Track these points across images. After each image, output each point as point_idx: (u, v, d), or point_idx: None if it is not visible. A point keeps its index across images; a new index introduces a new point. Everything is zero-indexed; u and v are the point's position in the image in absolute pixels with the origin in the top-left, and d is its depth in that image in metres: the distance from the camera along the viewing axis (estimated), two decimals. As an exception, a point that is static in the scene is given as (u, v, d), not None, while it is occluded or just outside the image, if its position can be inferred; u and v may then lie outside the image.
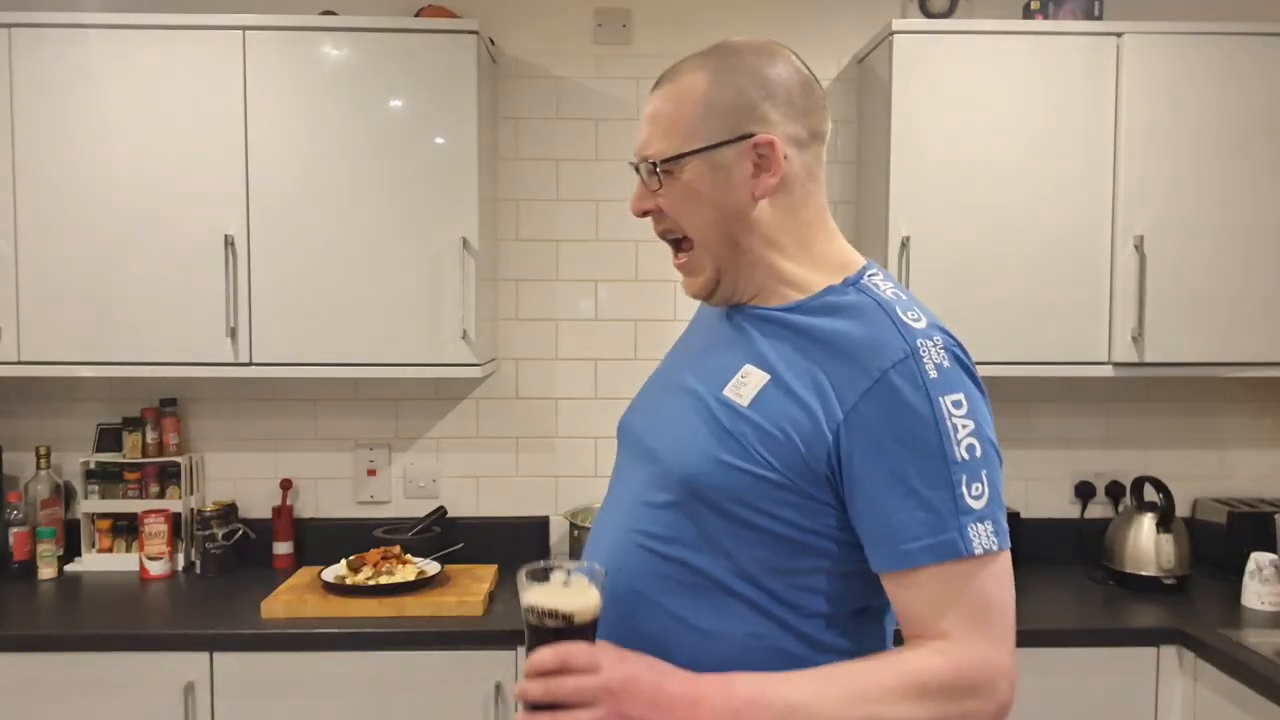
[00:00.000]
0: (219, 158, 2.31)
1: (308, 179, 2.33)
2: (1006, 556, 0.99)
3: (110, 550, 2.60)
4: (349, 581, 2.28)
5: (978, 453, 0.99)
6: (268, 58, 2.31)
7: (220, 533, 2.55)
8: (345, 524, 2.69)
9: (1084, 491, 2.75)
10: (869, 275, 1.10)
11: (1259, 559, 2.30)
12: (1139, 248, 2.36)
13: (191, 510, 2.61)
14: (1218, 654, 2.03)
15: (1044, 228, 2.37)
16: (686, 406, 1.10)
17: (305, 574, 2.45)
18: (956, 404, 0.99)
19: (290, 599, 2.22)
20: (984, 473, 0.98)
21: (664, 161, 1.08)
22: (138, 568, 2.52)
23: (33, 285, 2.32)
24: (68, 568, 2.56)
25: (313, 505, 2.73)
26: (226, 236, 2.31)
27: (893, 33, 2.35)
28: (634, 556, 1.08)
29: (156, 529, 2.49)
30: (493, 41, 2.61)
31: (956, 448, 0.97)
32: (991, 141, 2.36)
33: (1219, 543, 2.58)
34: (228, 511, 2.60)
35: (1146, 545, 2.43)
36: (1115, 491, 2.76)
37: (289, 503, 2.67)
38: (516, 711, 0.98)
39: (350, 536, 2.62)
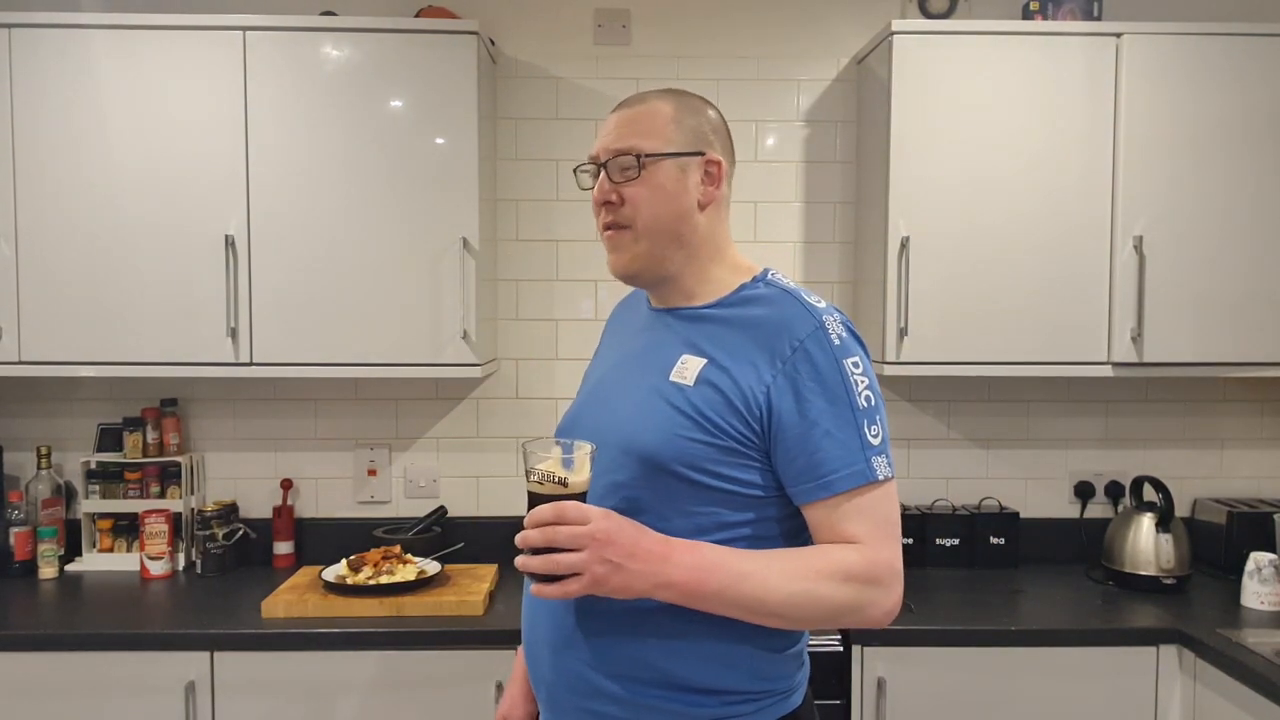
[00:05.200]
0: (219, 158, 2.32)
1: (308, 179, 2.33)
2: (894, 482, 1.24)
3: (111, 550, 2.60)
4: (349, 581, 2.28)
5: (872, 402, 1.22)
6: (268, 58, 2.31)
7: (220, 532, 2.55)
8: (345, 524, 2.69)
9: (1083, 491, 2.76)
10: (772, 274, 1.35)
11: (1258, 559, 2.30)
12: (1138, 248, 2.36)
13: (192, 510, 2.61)
14: (1217, 654, 2.03)
15: (1043, 228, 2.37)
16: (638, 398, 1.29)
17: (305, 574, 2.45)
18: (855, 364, 1.22)
19: (290, 599, 2.22)
20: (878, 417, 1.23)
21: (649, 155, 1.29)
22: (138, 567, 2.52)
23: (33, 285, 2.32)
24: (68, 567, 2.56)
25: (313, 505, 2.73)
26: (227, 237, 2.32)
27: (892, 33, 2.35)
28: None
29: (157, 529, 2.50)
30: (493, 42, 2.61)
31: (858, 398, 1.21)
32: (991, 142, 2.36)
33: (1218, 543, 2.58)
34: (228, 511, 2.60)
35: (1146, 545, 2.43)
36: (1115, 491, 2.76)
37: (289, 503, 2.67)
38: (518, 558, 1.15)
39: (350, 536, 2.63)
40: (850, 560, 1.19)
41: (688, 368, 1.26)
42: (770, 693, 1.28)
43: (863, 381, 1.22)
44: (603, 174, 1.31)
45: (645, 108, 1.33)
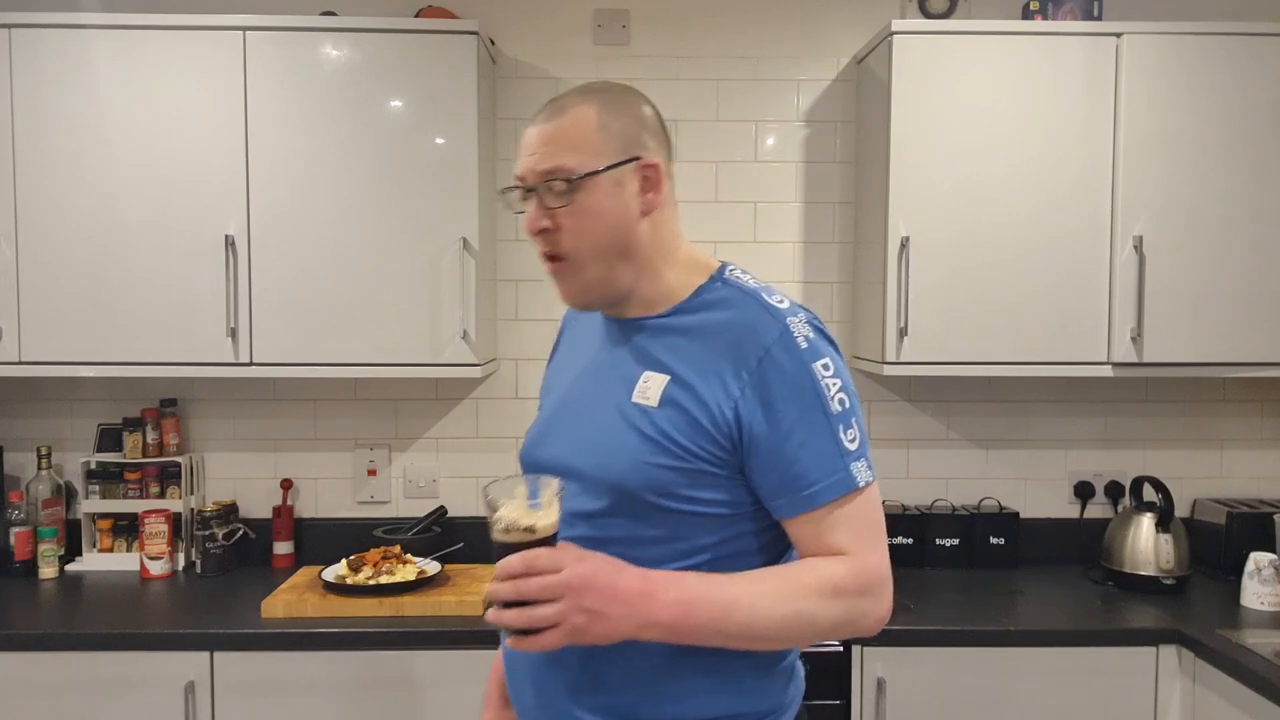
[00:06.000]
0: (219, 158, 2.32)
1: (308, 179, 2.33)
2: (876, 486, 1.19)
3: (111, 550, 2.60)
4: (349, 581, 2.28)
5: (847, 404, 1.16)
6: (268, 58, 2.31)
7: (220, 533, 2.55)
8: (345, 524, 2.69)
9: (1083, 491, 2.76)
10: (730, 271, 1.27)
11: (1258, 559, 2.30)
12: (1138, 248, 2.36)
13: (192, 510, 2.61)
14: (1217, 654, 2.03)
15: (1043, 228, 2.37)
16: (602, 422, 1.22)
17: (305, 574, 2.45)
18: (825, 367, 1.16)
19: (290, 599, 2.22)
20: (854, 420, 1.16)
21: (580, 177, 1.18)
22: (138, 567, 2.52)
23: (33, 285, 2.32)
24: (69, 567, 2.56)
25: (313, 505, 2.73)
26: (227, 236, 2.32)
27: (892, 33, 2.35)
28: None
29: (157, 529, 2.50)
30: (492, 42, 2.61)
31: (831, 403, 1.15)
32: (991, 142, 2.36)
33: (1218, 543, 2.58)
34: (228, 511, 2.60)
35: (1146, 545, 2.43)
36: (1114, 492, 2.76)
37: (289, 503, 2.67)
38: (486, 613, 1.08)
39: (350, 536, 2.63)
40: (839, 573, 1.14)
41: (650, 387, 1.19)
42: (761, 714, 1.23)
43: (834, 384, 1.15)
44: (534, 199, 1.21)
45: (567, 118, 1.20)
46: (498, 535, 1.09)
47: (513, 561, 1.06)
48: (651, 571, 1.12)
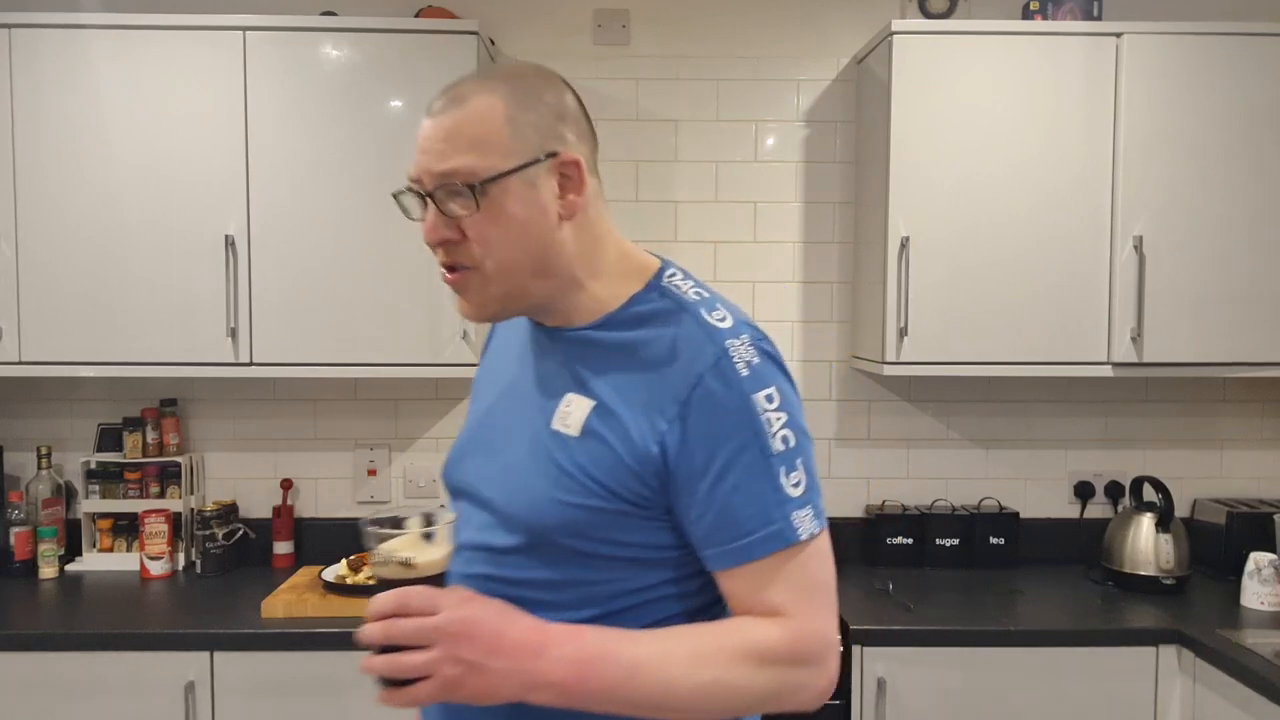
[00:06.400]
0: (219, 158, 2.32)
1: (308, 179, 2.33)
2: (826, 535, 1.03)
3: (111, 550, 2.60)
4: (349, 581, 2.28)
5: (792, 442, 1.01)
6: (268, 58, 2.31)
7: (220, 532, 2.55)
8: (345, 524, 2.69)
9: (1083, 491, 2.76)
10: (668, 277, 1.10)
11: (1258, 559, 2.31)
12: (1138, 248, 2.36)
13: (192, 510, 2.61)
14: (1217, 654, 2.03)
15: (1043, 228, 2.37)
16: (520, 451, 1.08)
17: (305, 574, 2.45)
18: (769, 398, 1.01)
19: (290, 599, 2.22)
20: (799, 460, 1.01)
21: (485, 181, 1.00)
22: (138, 567, 2.52)
23: (33, 285, 2.32)
24: (68, 567, 2.56)
25: (313, 505, 2.73)
26: (226, 236, 2.32)
27: (892, 33, 2.35)
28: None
29: (157, 529, 2.50)
30: (493, 42, 2.61)
31: (773, 441, 1.00)
32: (991, 142, 2.36)
33: (1218, 543, 2.58)
34: (228, 511, 2.60)
35: (1146, 545, 2.43)
36: (1114, 492, 2.76)
37: (289, 502, 2.67)
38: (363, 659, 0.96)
39: (350, 536, 2.62)
40: (771, 638, 0.98)
41: (572, 413, 1.04)
42: None
43: (778, 419, 1.00)
44: (431, 205, 1.03)
45: (468, 110, 1.01)
46: (374, 569, 0.99)
47: (384, 599, 0.94)
48: (550, 624, 0.98)
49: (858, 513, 2.74)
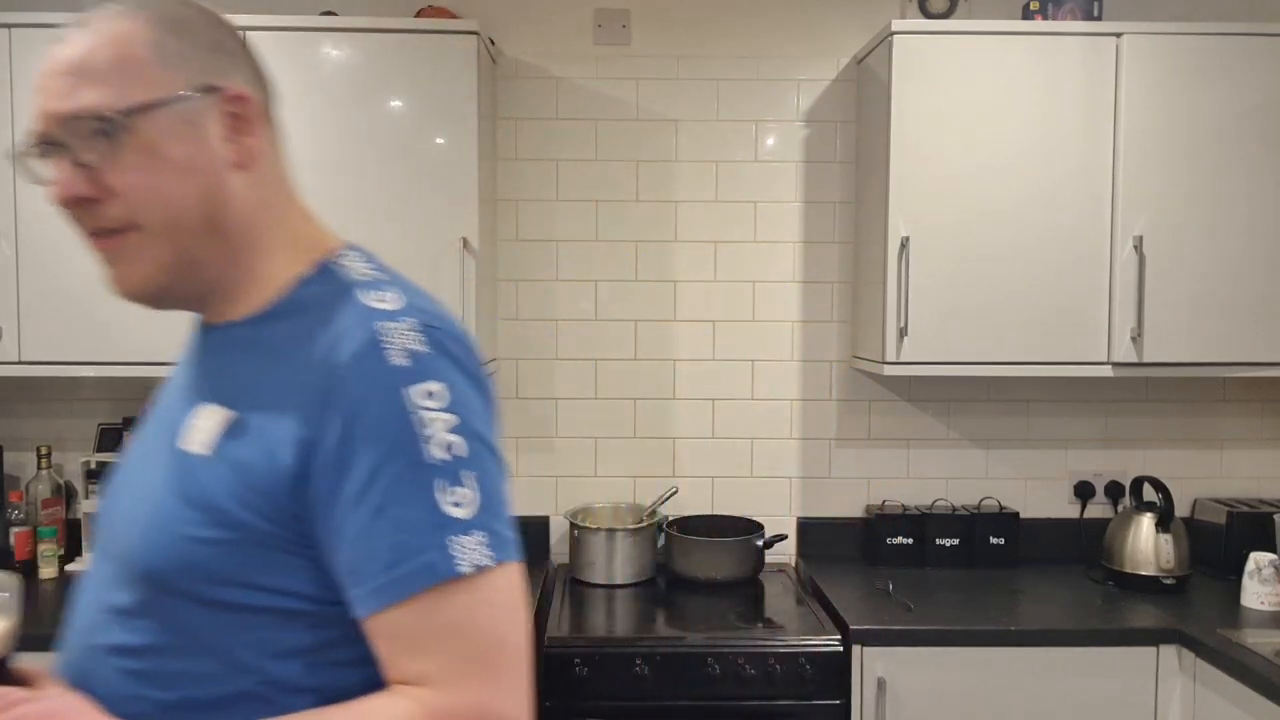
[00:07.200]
0: (219, 158, 2.31)
1: (307, 179, 2.32)
2: (510, 572, 0.81)
3: (111, 550, 2.60)
4: (349, 581, 2.28)
5: (461, 451, 0.80)
6: (268, 58, 2.30)
7: (220, 532, 2.54)
8: (345, 524, 2.69)
9: (1083, 491, 2.76)
10: (343, 258, 0.93)
11: (1258, 559, 2.31)
12: (1138, 248, 2.36)
13: (192, 510, 2.60)
14: (1217, 654, 2.03)
15: (1043, 228, 2.37)
16: (147, 480, 0.89)
17: (305, 574, 2.44)
18: (430, 393, 0.80)
19: (290, 599, 2.22)
20: (471, 475, 0.80)
21: (124, 112, 0.81)
22: (138, 567, 2.52)
23: (33, 285, 2.32)
24: (68, 567, 2.56)
25: (313, 505, 2.73)
26: (227, 237, 2.31)
27: (892, 33, 2.36)
28: (104, 678, 0.86)
29: (157, 529, 2.49)
30: (493, 42, 2.61)
31: (428, 447, 0.79)
32: (991, 142, 2.36)
33: (1218, 543, 2.58)
34: (228, 511, 2.59)
35: (1146, 545, 2.43)
36: (1114, 491, 2.76)
37: (289, 503, 2.67)
38: None
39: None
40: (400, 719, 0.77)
41: (203, 428, 0.85)
42: None
43: (442, 420, 0.80)
44: (62, 156, 0.83)
45: (102, 37, 0.83)
46: None
47: None
48: None
49: (858, 513, 2.74)
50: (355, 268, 0.91)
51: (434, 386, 0.81)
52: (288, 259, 0.91)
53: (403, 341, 0.82)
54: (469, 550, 0.78)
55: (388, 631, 0.79)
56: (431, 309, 0.88)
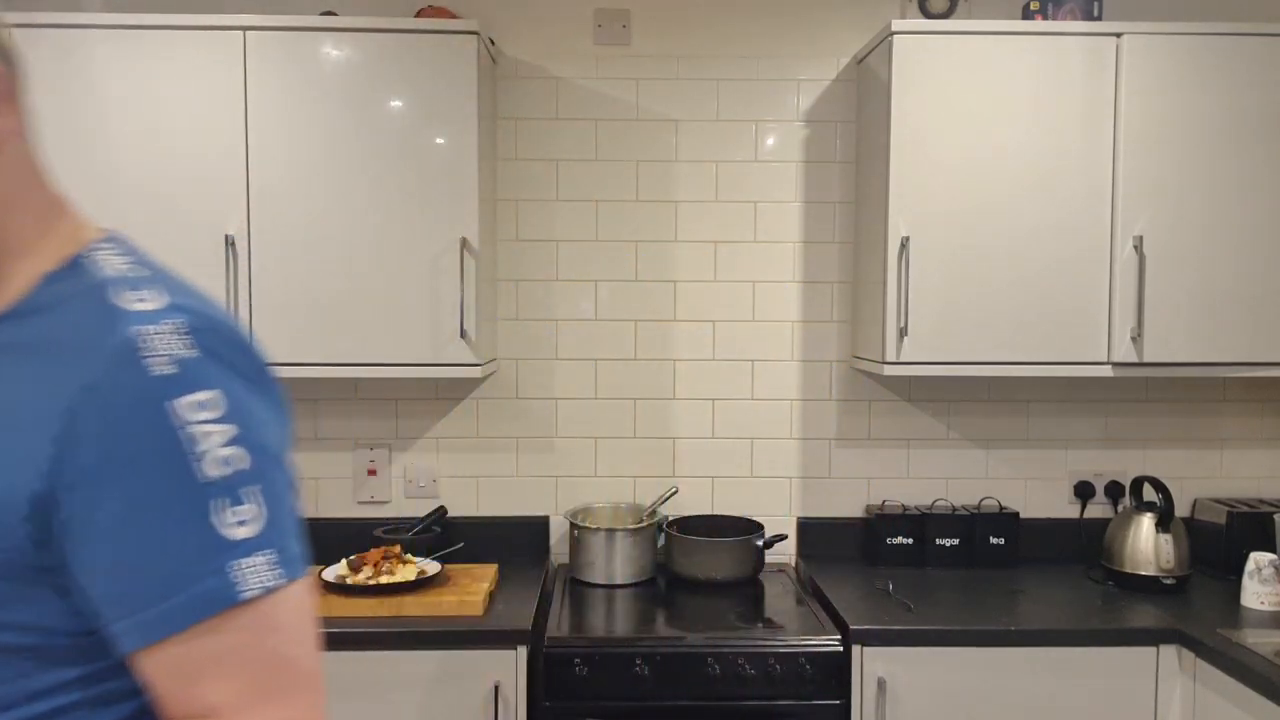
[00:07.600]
0: (219, 158, 2.32)
1: (308, 179, 2.33)
2: (297, 590, 0.76)
3: (110, 550, 2.59)
4: (349, 581, 2.28)
5: (242, 465, 0.74)
6: (268, 58, 2.31)
7: (220, 532, 2.54)
8: (345, 524, 2.69)
9: (1083, 491, 2.76)
10: (98, 251, 0.82)
11: (1258, 559, 2.31)
12: (1138, 248, 2.36)
13: (191, 510, 2.60)
14: (1217, 654, 2.03)
15: (1043, 228, 2.38)
16: None
17: (305, 574, 2.44)
18: (202, 405, 0.73)
19: (290, 599, 2.22)
20: (255, 489, 0.74)
21: None
22: (138, 567, 2.52)
23: (33, 285, 2.32)
24: (68, 567, 2.56)
25: (313, 505, 2.73)
26: (226, 236, 2.32)
27: (892, 33, 2.36)
28: None
29: (157, 529, 2.49)
30: (493, 42, 2.61)
31: (202, 464, 0.72)
32: (991, 142, 2.36)
33: (1218, 543, 2.58)
34: (228, 511, 2.59)
35: (1146, 545, 2.44)
36: (1114, 491, 2.76)
37: (289, 503, 2.67)
38: None
39: (350, 536, 2.63)
40: None
41: None
42: None
43: (216, 433, 0.73)
44: None
45: None
46: None
47: None
48: None
49: (858, 513, 2.74)
50: (110, 262, 0.80)
51: (204, 396, 0.73)
52: (39, 253, 0.81)
53: (165, 347, 0.73)
54: (254, 572, 0.73)
55: (166, 666, 0.72)
56: (198, 307, 0.78)
